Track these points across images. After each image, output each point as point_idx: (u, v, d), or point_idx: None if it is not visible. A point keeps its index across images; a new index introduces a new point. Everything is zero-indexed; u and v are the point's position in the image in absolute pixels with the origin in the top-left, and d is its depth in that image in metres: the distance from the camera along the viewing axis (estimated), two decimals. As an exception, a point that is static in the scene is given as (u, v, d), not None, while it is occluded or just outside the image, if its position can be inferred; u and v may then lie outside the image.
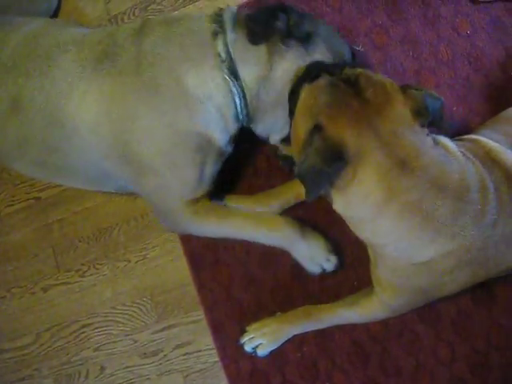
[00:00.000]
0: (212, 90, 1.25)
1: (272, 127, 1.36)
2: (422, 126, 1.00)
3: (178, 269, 1.60)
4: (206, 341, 1.57)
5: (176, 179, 1.34)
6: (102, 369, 1.65)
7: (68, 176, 1.46)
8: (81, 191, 1.68)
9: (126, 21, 1.72)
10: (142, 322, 1.63)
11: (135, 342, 1.63)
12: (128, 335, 1.64)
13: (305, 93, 1.09)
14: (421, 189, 0.97)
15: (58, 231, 1.71)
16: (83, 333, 1.68)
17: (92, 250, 1.68)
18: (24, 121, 1.33)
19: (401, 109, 1.00)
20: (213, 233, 1.44)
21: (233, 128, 1.33)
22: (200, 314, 1.58)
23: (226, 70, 1.23)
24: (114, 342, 1.65)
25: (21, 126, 1.34)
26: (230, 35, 1.24)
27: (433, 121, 1.01)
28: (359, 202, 1.01)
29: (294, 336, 1.48)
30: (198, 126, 1.27)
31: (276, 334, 1.46)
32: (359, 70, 1.08)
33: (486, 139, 1.16)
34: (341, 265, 1.44)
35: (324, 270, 1.41)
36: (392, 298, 1.23)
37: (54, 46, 1.33)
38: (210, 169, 1.35)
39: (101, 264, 1.67)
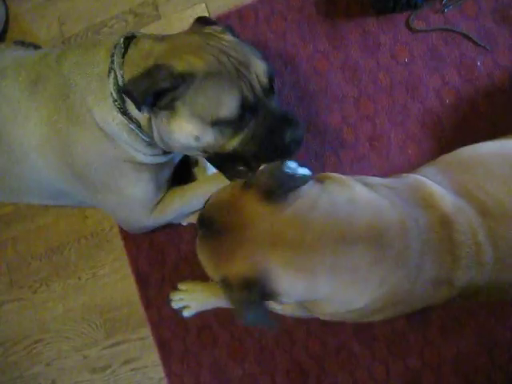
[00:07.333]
0: (115, 128, 1.24)
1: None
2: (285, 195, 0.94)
3: (125, 287, 1.65)
4: (152, 357, 1.62)
5: (133, 195, 1.38)
6: (53, 383, 1.69)
7: (24, 195, 1.50)
8: (33, 209, 1.72)
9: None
10: (92, 338, 1.67)
11: (85, 357, 1.67)
12: (78, 351, 1.68)
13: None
14: (329, 251, 0.94)
15: (11, 248, 1.75)
16: (35, 348, 1.71)
17: (44, 268, 1.72)
18: None
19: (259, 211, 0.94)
20: (177, 215, 1.49)
21: (154, 150, 1.31)
22: (147, 331, 1.62)
23: (119, 110, 1.21)
24: (65, 357, 1.69)
25: None
26: (119, 74, 1.19)
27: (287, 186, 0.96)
28: (295, 295, 0.99)
29: (236, 353, 1.53)
30: (122, 153, 1.29)
31: (204, 302, 1.52)
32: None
33: (429, 182, 1.14)
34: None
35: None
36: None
37: None
38: (161, 177, 1.40)
39: (52, 281, 1.71)
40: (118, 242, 1.66)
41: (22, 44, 1.70)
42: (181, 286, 1.55)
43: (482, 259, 1.05)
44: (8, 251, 1.76)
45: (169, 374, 1.59)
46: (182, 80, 1.09)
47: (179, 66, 1.10)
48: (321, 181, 1.04)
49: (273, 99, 1.19)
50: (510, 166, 1.14)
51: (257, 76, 1.15)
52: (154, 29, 1.70)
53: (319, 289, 0.98)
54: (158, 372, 1.61)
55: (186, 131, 1.15)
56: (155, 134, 1.22)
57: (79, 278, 1.69)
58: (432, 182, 1.15)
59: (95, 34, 1.74)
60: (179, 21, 1.69)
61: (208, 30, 1.20)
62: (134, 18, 1.72)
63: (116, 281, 1.66)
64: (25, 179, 1.39)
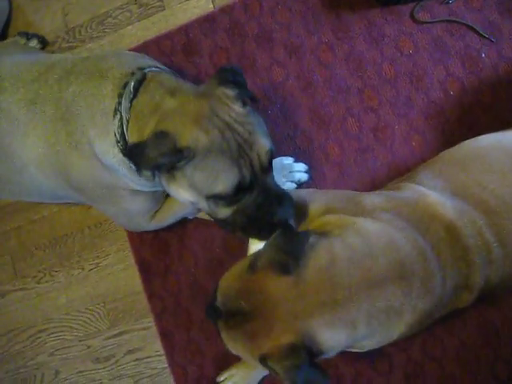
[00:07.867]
0: (114, 164, 1.24)
1: None
2: (297, 261, 0.96)
3: (129, 277, 1.65)
4: (155, 347, 1.62)
5: (131, 209, 1.40)
6: (57, 373, 1.70)
7: (25, 197, 1.52)
8: (37, 200, 1.73)
9: (82, 34, 1.75)
10: (95, 328, 1.68)
11: (88, 347, 1.68)
12: (81, 341, 1.69)
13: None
14: (363, 300, 0.96)
15: (15, 239, 1.76)
16: (39, 338, 1.72)
17: (48, 258, 1.72)
18: None
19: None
20: (176, 218, 1.52)
21: (152, 183, 1.30)
22: (150, 321, 1.63)
23: (121, 150, 1.21)
24: (69, 347, 1.70)
25: None
26: (125, 117, 1.18)
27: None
28: (338, 347, 1.00)
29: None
30: (119, 182, 1.29)
31: (246, 381, 1.49)
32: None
33: (427, 191, 1.14)
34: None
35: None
36: None
37: None
38: (158, 193, 1.41)
39: (56, 271, 1.71)
40: (122, 232, 1.66)
41: (27, 35, 1.71)
42: (218, 378, 1.51)
43: (492, 257, 1.06)
44: (12, 241, 1.76)
45: (172, 364, 1.60)
46: (185, 154, 1.08)
47: (183, 139, 1.08)
48: (322, 230, 1.05)
49: (269, 176, 1.20)
50: (509, 159, 1.14)
51: (258, 155, 1.14)
52: (157, 19, 1.70)
53: (359, 335, 0.99)
54: (161, 362, 1.62)
55: (182, 196, 1.18)
56: (157, 179, 1.23)
57: (83, 268, 1.70)
58: (429, 189, 1.14)
59: (99, 24, 1.74)
60: (183, 11, 1.69)
61: (221, 92, 1.15)
62: (138, 8, 1.72)
63: (119, 271, 1.67)
64: (25, 185, 1.41)
